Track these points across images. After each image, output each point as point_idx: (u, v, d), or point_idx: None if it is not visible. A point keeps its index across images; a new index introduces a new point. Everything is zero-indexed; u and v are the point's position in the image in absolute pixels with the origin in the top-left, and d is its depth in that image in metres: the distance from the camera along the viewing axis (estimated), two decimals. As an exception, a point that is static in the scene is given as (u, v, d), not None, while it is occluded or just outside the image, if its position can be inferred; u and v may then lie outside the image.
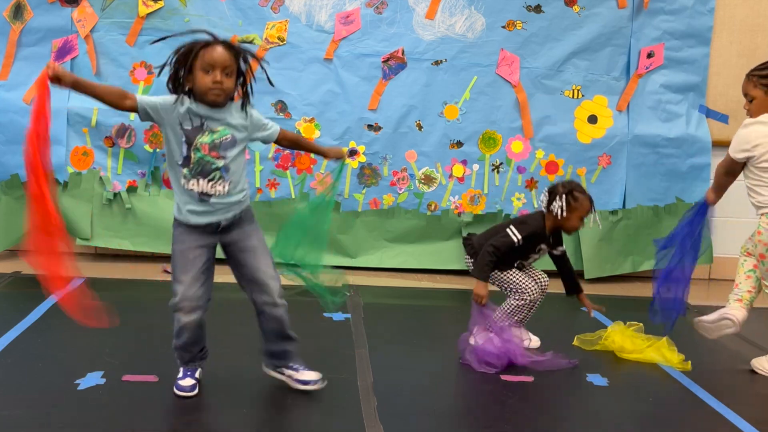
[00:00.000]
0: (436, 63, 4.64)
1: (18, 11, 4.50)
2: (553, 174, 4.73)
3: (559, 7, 4.65)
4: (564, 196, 3.02)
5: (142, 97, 2.55)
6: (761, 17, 4.80)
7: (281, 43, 4.59)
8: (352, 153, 4.55)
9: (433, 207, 4.72)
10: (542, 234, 3.12)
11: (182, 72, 2.48)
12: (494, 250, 3.05)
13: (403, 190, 4.70)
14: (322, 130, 4.63)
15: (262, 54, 4.58)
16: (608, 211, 4.75)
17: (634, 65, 4.71)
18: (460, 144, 4.69)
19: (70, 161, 4.58)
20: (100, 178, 4.60)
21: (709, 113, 4.82)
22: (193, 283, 2.49)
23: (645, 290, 4.58)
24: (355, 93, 4.62)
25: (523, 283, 3.20)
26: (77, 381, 2.63)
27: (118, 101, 2.55)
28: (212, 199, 2.47)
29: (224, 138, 2.46)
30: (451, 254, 4.72)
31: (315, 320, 3.53)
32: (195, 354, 2.64)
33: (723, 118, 4.81)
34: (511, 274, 3.21)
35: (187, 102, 2.47)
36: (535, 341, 3.36)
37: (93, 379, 2.66)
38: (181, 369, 2.64)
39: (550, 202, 3.07)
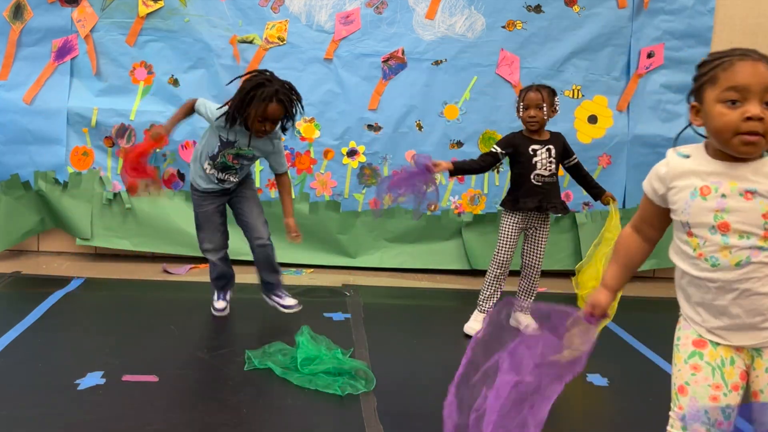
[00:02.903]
0: (436, 63, 4.64)
1: (18, 11, 4.50)
2: (553, 174, 4.73)
3: (559, 7, 4.65)
4: (517, 97, 3.41)
5: (201, 100, 3.18)
6: (761, 17, 4.80)
7: (281, 43, 4.59)
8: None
9: (433, 207, 4.72)
10: (520, 136, 3.38)
11: (241, 111, 3.01)
12: (478, 158, 3.40)
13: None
14: (322, 130, 4.63)
15: (263, 54, 4.58)
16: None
17: (634, 65, 4.71)
18: (460, 144, 4.69)
19: (70, 161, 4.58)
20: (100, 178, 4.60)
21: (709, 113, 4.82)
22: (214, 233, 3.36)
23: (645, 290, 4.58)
24: (355, 93, 4.62)
25: (501, 250, 3.41)
26: (77, 381, 2.63)
27: (189, 113, 3.26)
28: (224, 183, 3.26)
29: (247, 155, 3.17)
30: (451, 254, 4.72)
31: (315, 320, 3.53)
32: (225, 283, 3.51)
33: (723, 118, 4.81)
34: (503, 234, 3.40)
35: (233, 124, 3.05)
36: (535, 330, 3.39)
37: (93, 379, 2.66)
38: (215, 293, 3.50)
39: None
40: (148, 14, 4.52)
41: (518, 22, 4.65)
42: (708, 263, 1.56)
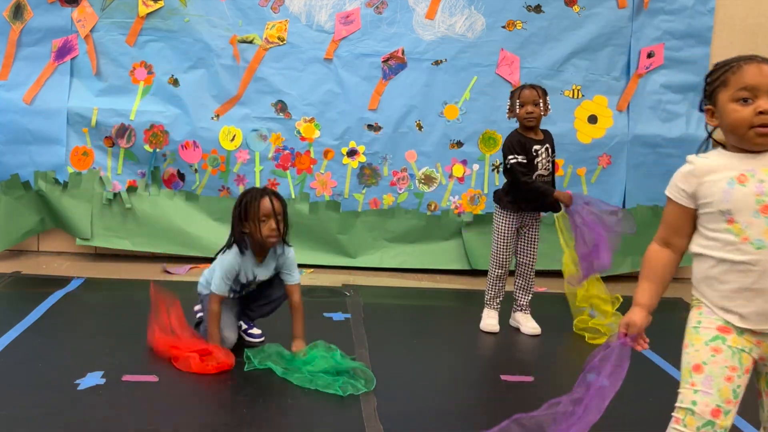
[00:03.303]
0: (436, 63, 4.64)
1: (18, 11, 4.50)
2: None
3: (559, 7, 4.65)
4: (509, 98, 3.42)
5: (223, 289, 2.96)
6: (761, 17, 4.79)
7: (281, 43, 4.59)
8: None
9: (433, 207, 4.72)
10: (524, 137, 3.37)
11: (242, 225, 2.92)
12: (518, 177, 3.31)
13: (403, 190, 4.70)
14: (322, 130, 4.63)
15: (263, 54, 4.58)
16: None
17: (634, 65, 4.71)
18: (460, 144, 4.69)
19: (70, 161, 4.58)
20: (100, 178, 4.60)
21: (709, 113, 4.81)
22: (229, 328, 3.05)
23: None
24: (355, 93, 4.62)
25: (498, 250, 3.45)
26: (77, 381, 2.63)
27: (219, 308, 3.00)
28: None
29: (262, 281, 3.06)
30: (451, 254, 4.72)
31: (315, 320, 3.52)
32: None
33: (723, 118, 4.81)
34: (498, 233, 3.42)
35: (245, 260, 2.94)
36: (534, 329, 3.42)
37: (93, 379, 2.66)
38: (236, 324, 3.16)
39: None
40: (148, 14, 4.52)
41: (518, 22, 4.65)
42: (753, 246, 1.64)
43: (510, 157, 3.33)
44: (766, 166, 1.65)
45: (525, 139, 3.36)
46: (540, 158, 3.36)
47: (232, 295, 3.05)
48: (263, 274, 3.01)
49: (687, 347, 1.81)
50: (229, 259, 2.92)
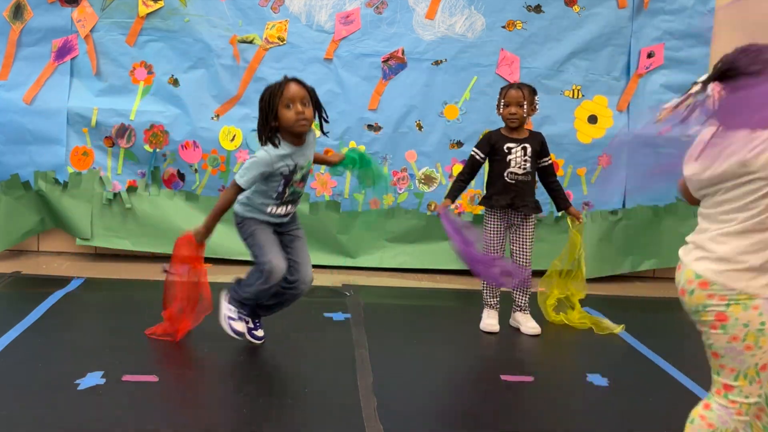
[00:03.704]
0: (436, 63, 4.64)
1: (18, 11, 4.50)
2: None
3: (559, 7, 4.65)
4: (498, 96, 3.49)
5: (249, 183, 2.83)
6: (761, 17, 4.79)
7: (281, 43, 4.59)
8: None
9: (433, 207, 4.71)
10: (497, 134, 3.48)
11: (270, 117, 2.80)
12: (459, 174, 3.51)
13: (403, 190, 4.70)
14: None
15: (263, 54, 4.58)
16: (608, 211, 4.75)
17: (634, 65, 4.71)
18: (460, 144, 4.69)
19: (70, 161, 4.58)
20: (100, 178, 4.60)
21: (710, 113, 4.81)
22: (279, 254, 2.91)
23: (645, 290, 4.58)
24: (355, 93, 4.62)
25: (487, 248, 3.48)
26: (77, 381, 2.63)
27: (233, 202, 2.92)
28: (284, 218, 2.99)
29: (308, 170, 2.94)
30: (451, 254, 4.67)
31: (315, 320, 3.53)
32: (274, 304, 3.08)
33: (723, 118, 4.80)
34: (486, 231, 3.49)
35: (281, 150, 2.81)
36: (534, 328, 3.43)
37: (93, 379, 2.66)
38: (247, 318, 3.07)
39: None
40: (148, 14, 4.52)
41: (518, 22, 4.65)
42: None
43: (473, 149, 3.52)
44: None
45: (497, 137, 3.48)
46: (513, 156, 3.43)
47: (275, 208, 2.90)
48: (303, 159, 2.88)
49: (752, 348, 1.77)
50: (261, 154, 2.79)
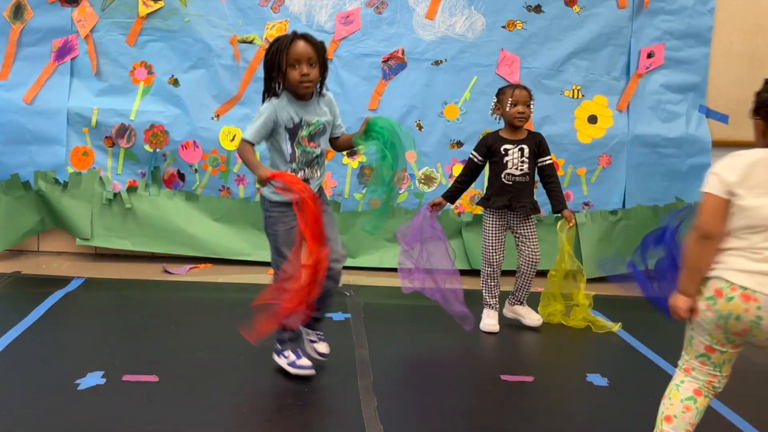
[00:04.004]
0: (436, 63, 4.64)
1: (18, 11, 4.50)
2: (553, 174, 4.73)
3: (559, 7, 4.65)
4: (495, 97, 3.53)
5: (254, 135, 2.72)
6: (761, 17, 4.79)
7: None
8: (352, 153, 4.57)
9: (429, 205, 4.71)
10: (494, 136, 3.52)
11: (274, 72, 2.69)
12: (458, 176, 3.57)
13: (403, 190, 4.70)
14: (322, 130, 4.63)
15: (263, 54, 4.57)
16: (608, 211, 4.75)
17: (634, 65, 4.71)
18: (460, 144, 4.69)
19: (70, 161, 4.58)
20: (100, 178, 4.60)
21: (709, 113, 4.82)
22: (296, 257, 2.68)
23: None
24: (355, 93, 4.62)
25: (486, 248, 3.52)
26: (77, 381, 2.63)
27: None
28: (311, 182, 2.76)
29: (318, 128, 2.77)
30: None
31: (315, 320, 3.52)
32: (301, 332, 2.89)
33: (723, 118, 4.81)
34: (485, 232, 3.52)
35: (283, 101, 2.71)
36: (538, 320, 3.45)
37: (93, 379, 2.66)
38: (288, 349, 2.83)
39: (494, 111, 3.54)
40: (148, 14, 4.52)
41: (518, 22, 4.65)
42: None
43: (472, 152, 3.54)
44: None
45: (494, 139, 3.51)
46: (510, 158, 3.45)
47: (289, 158, 2.73)
48: (312, 115, 2.74)
49: None
50: (264, 106, 2.71)
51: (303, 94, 2.71)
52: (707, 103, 4.81)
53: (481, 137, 3.67)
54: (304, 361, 2.80)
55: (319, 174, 2.82)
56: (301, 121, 2.72)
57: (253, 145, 2.71)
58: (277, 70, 2.67)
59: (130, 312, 3.55)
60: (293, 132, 2.72)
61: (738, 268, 1.87)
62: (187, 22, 4.52)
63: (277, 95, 2.71)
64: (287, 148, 2.73)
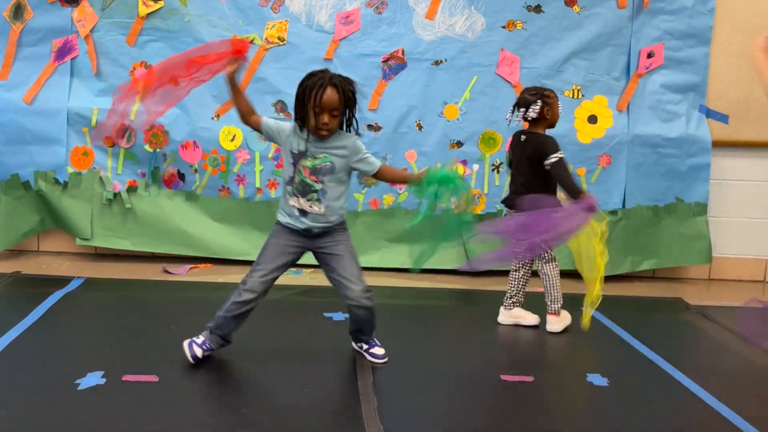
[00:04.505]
0: (436, 63, 4.64)
1: (18, 11, 4.50)
2: (553, 174, 4.73)
3: (559, 7, 4.65)
4: (541, 99, 3.46)
5: (266, 119, 2.87)
6: (761, 17, 4.79)
7: (281, 43, 4.59)
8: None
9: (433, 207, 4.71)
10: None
11: (300, 108, 2.75)
12: (568, 171, 3.34)
13: (403, 190, 4.70)
14: (322, 130, 4.63)
15: (263, 54, 4.58)
16: (608, 211, 4.75)
17: (634, 65, 4.71)
18: (460, 144, 4.69)
19: (70, 161, 4.58)
20: (100, 178, 4.61)
21: (709, 113, 4.82)
22: (267, 273, 2.84)
23: (645, 290, 4.58)
24: (355, 93, 4.61)
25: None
26: (77, 381, 2.63)
27: (246, 112, 2.88)
28: (308, 216, 2.82)
29: (324, 165, 2.77)
30: (451, 254, 4.71)
31: (315, 320, 3.53)
32: (227, 333, 2.92)
33: (723, 118, 4.81)
34: None
35: (299, 130, 2.78)
36: (532, 319, 3.54)
37: (93, 379, 2.66)
38: (207, 335, 2.90)
39: (532, 109, 3.46)
40: (148, 14, 4.52)
41: (518, 22, 4.65)
42: None
43: (558, 153, 3.37)
44: None
45: None
46: None
47: (290, 195, 2.80)
48: (321, 150, 2.75)
49: None
50: (288, 122, 2.83)
51: (318, 137, 2.75)
52: (707, 103, 4.81)
53: (550, 139, 3.48)
54: (198, 350, 2.86)
55: (318, 209, 2.80)
56: (306, 151, 2.76)
57: (260, 122, 2.84)
58: (301, 108, 2.72)
59: (130, 312, 3.55)
60: (296, 158, 2.77)
61: None
62: (187, 22, 4.52)
63: (300, 128, 2.78)
64: (289, 170, 2.80)
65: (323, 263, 2.93)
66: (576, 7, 4.65)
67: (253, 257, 4.39)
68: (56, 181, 4.58)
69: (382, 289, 4.30)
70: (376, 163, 2.86)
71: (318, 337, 3.32)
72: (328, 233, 2.87)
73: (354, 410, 2.52)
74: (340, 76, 2.74)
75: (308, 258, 4.61)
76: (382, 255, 4.72)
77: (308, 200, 2.79)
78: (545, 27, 4.65)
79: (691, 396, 2.83)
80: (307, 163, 2.76)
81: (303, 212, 2.81)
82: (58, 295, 3.73)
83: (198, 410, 2.49)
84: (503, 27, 4.65)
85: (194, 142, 4.58)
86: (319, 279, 4.39)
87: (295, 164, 2.78)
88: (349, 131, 2.81)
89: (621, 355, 3.31)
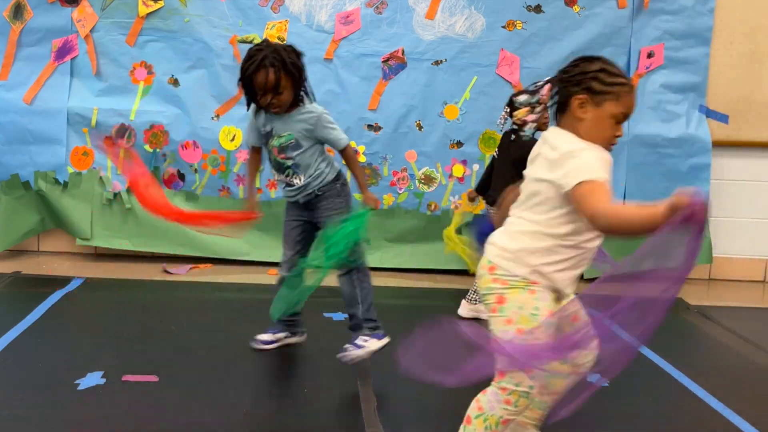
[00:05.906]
0: (436, 63, 4.64)
1: (18, 11, 4.50)
2: (553, 174, 4.73)
3: (559, 7, 4.65)
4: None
5: (251, 143, 2.96)
6: (761, 17, 4.79)
7: (281, 43, 4.58)
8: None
9: (433, 207, 4.72)
10: None
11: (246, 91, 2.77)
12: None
13: (403, 190, 4.70)
14: (322, 130, 4.63)
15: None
16: (608, 211, 4.75)
17: (634, 65, 4.71)
18: (460, 144, 4.69)
19: (70, 161, 4.58)
20: (100, 178, 4.61)
21: (709, 113, 4.82)
22: (286, 247, 2.98)
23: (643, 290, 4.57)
24: (355, 93, 4.62)
25: None
26: (77, 381, 2.63)
27: (254, 162, 3.04)
28: (294, 188, 2.86)
29: (290, 142, 2.78)
30: (451, 254, 4.71)
31: (315, 320, 3.53)
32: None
33: (723, 118, 4.81)
34: None
35: (261, 115, 2.82)
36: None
37: (93, 379, 2.66)
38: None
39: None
40: (148, 14, 4.52)
41: (518, 22, 4.65)
42: None
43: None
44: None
45: None
46: None
47: (274, 172, 2.91)
48: (284, 128, 2.76)
49: (523, 333, 1.92)
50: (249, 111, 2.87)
51: (274, 113, 2.77)
52: (707, 103, 4.81)
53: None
54: (264, 335, 3.07)
55: (298, 182, 2.84)
56: (271, 131, 2.79)
57: (254, 149, 2.95)
58: (246, 91, 2.74)
59: (130, 312, 3.55)
60: (266, 138, 2.82)
61: None
62: (187, 22, 4.52)
63: (254, 109, 2.82)
64: (265, 150, 2.88)
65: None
66: (576, 7, 4.65)
67: (253, 257, 4.46)
68: (56, 181, 4.58)
69: (382, 289, 4.30)
70: (343, 140, 2.83)
71: (318, 337, 3.31)
72: (320, 201, 2.87)
73: (354, 411, 2.52)
74: (276, 50, 2.68)
75: (308, 258, 4.62)
76: (382, 255, 4.72)
77: (286, 176, 2.85)
78: (545, 27, 4.65)
79: (691, 396, 2.83)
80: (274, 142, 2.79)
81: (288, 186, 2.88)
82: (58, 295, 3.73)
83: (198, 410, 2.49)
84: (503, 27, 4.65)
85: (194, 142, 4.58)
86: (319, 279, 4.39)
87: (266, 145, 2.85)
88: (304, 101, 2.78)
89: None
